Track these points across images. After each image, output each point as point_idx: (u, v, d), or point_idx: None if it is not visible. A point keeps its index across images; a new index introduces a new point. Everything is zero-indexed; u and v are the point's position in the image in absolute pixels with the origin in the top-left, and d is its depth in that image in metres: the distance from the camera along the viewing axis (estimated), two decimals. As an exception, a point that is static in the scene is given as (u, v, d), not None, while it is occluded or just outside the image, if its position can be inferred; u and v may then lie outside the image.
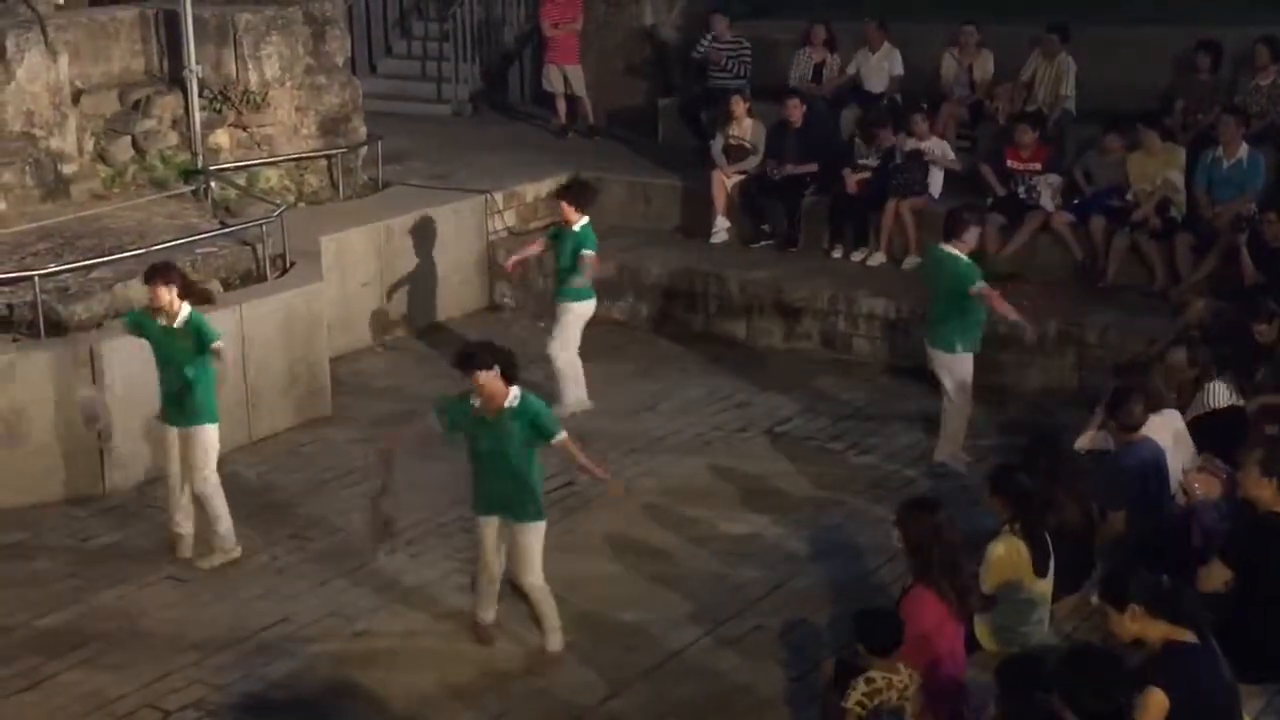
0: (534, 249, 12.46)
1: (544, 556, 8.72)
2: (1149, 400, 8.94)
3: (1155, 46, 14.30)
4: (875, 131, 13.98)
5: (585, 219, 11.66)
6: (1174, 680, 6.20)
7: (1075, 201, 13.08)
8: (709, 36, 15.96)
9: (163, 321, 9.42)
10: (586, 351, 11.98)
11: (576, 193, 11.79)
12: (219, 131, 13.85)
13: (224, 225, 12.60)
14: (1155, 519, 8.52)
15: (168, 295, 9.34)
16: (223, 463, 9.81)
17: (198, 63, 13.53)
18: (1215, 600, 7.39)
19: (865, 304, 12.91)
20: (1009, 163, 13.42)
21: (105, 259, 11.43)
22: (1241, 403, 9.53)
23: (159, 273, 9.44)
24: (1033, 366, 12.27)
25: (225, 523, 9.65)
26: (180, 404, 9.44)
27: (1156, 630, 6.38)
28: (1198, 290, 11.86)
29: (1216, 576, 7.46)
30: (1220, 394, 9.52)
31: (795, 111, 14.18)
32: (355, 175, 14.74)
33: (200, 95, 13.60)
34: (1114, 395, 8.88)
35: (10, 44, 12.35)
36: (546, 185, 15.26)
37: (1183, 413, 9.45)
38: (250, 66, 13.90)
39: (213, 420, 9.49)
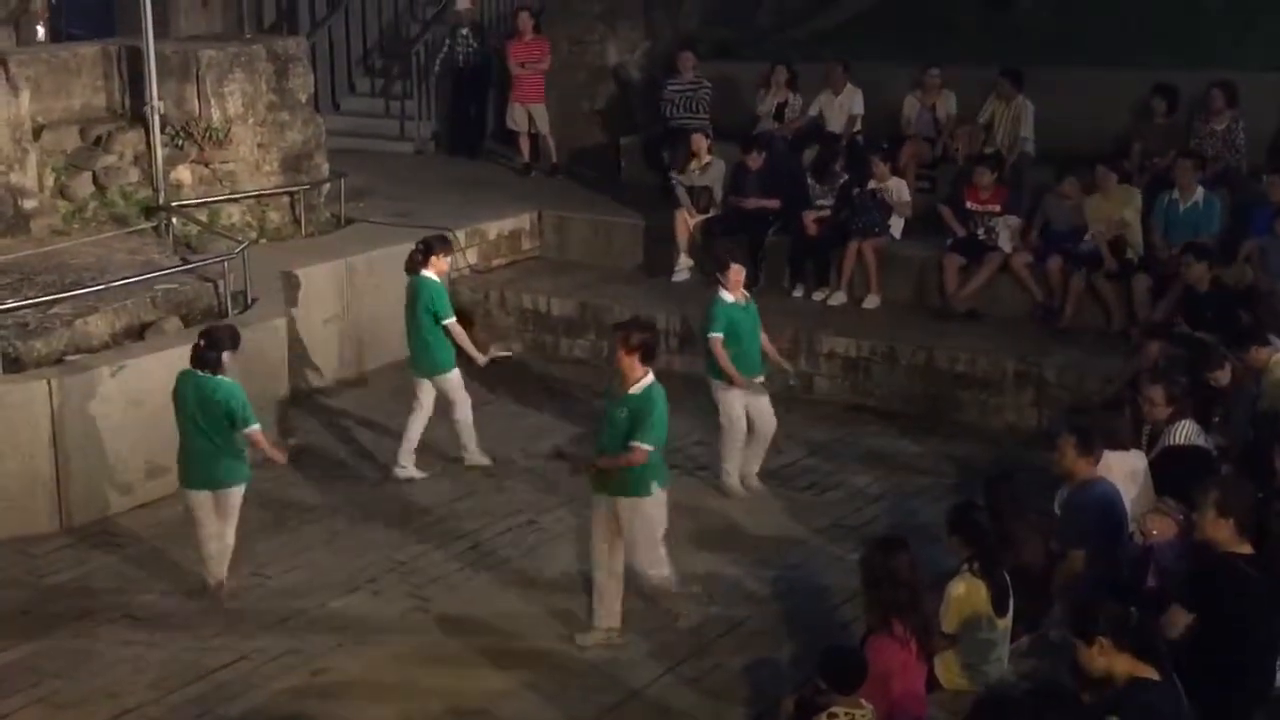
0: None
1: (502, 595, 8.59)
2: (1109, 439, 9.00)
3: (1112, 90, 14.45)
4: (827, 170, 14.07)
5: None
6: (1135, 715, 6.23)
7: (1037, 240, 13.21)
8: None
9: None
10: (551, 389, 12.00)
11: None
12: (181, 167, 13.82)
13: (185, 261, 12.57)
14: (1112, 558, 8.57)
15: None
16: (180, 500, 9.79)
17: (160, 99, 13.52)
18: (1175, 640, 7.43)
19: (826, 343, 12.97)
20: (968, 204, 13.52)
21: (65, 295, 11.38)
22: (1207, 444, 9.60)
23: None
24: (991, 405, 12.35)
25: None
26: None
27: (1122, 664, 6.42)
28: (1154, 332, 11.97)
29: (1179, 622, 7.49)
30: (1189, 432, 9.59)
31: (754, 161, 14.27)
32: (318, 212, 14.73)
33: (162, 131, 13.57)
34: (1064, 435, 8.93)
35: (-29, 79, 12.36)
36: (509, 224, 15.29)
37: (1150, 451, 9.54)
38: (213, 103, 13.89)
39: None
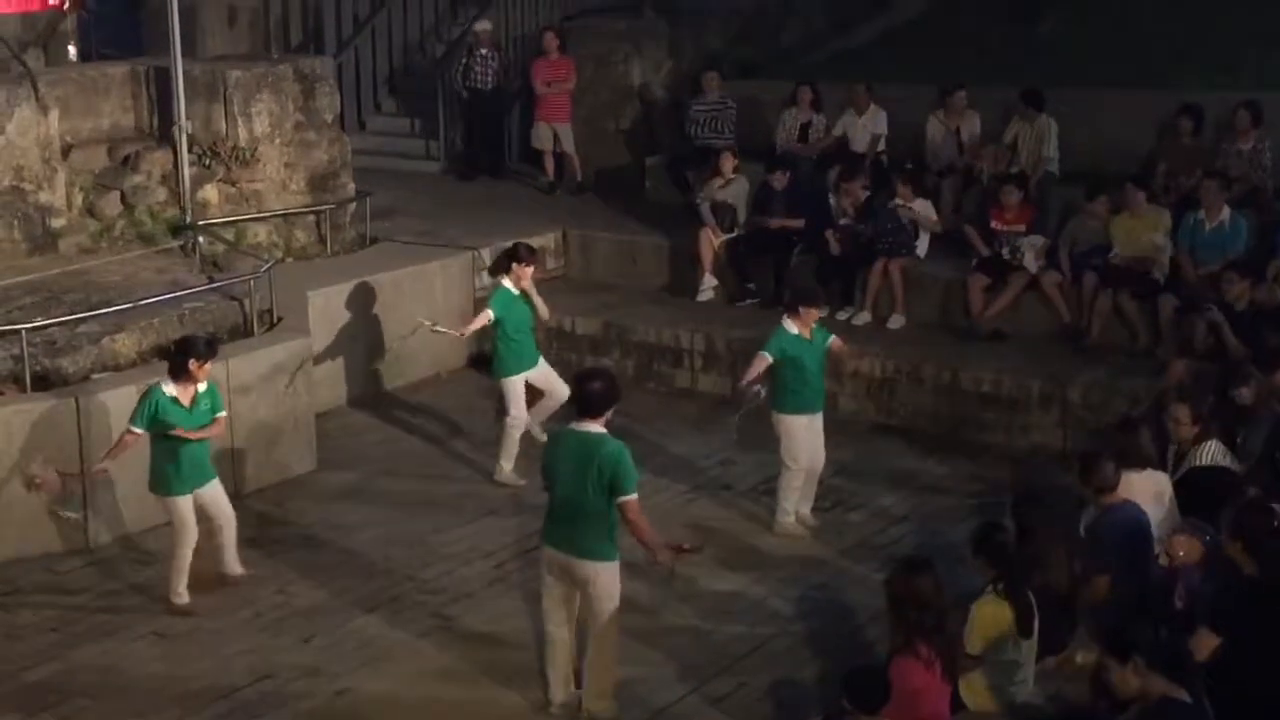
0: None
1: (524, 614, 8.59)
2: (1132, 460, 8.98)
3: (1138, 110, 14.44)
4: (845, 187, 14.07)
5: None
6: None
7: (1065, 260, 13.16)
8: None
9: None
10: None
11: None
12: (208, 187, 13.89)
13: (212, 280, 12.62)
14: (1139, 581, 8.53)
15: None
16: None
17: (188, 118, 13.59)
18: (1203, 663, 7.39)
19: (851, 363, 12.94)
20: (993, 224, 13.51)
21: (93, 313, 11.44)
22: (1233, 465, 9.57)
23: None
24: (1017, 425, 12.32)
25: None
26: None
27: (1155, 685, 6.41)
28: (1180, 352, 11.93)
29: (1206, 645, 7.45)
30: (1214, 453, 9.57)
31: (779, 181, 14.28)
32: (343, 231, 14.78)
33: (189, 151, 13.64)
34: (1082, 460, 8.92)
35: (1, 99, 12.42)
36: (534, 243, 15.25)
37: (1176, 472, 9.52)
38: (240, 123, 13.96)
39: None
